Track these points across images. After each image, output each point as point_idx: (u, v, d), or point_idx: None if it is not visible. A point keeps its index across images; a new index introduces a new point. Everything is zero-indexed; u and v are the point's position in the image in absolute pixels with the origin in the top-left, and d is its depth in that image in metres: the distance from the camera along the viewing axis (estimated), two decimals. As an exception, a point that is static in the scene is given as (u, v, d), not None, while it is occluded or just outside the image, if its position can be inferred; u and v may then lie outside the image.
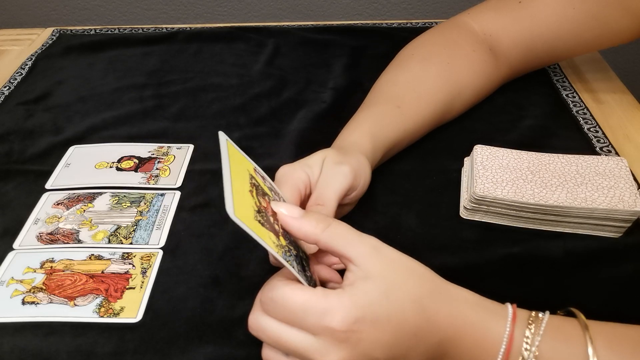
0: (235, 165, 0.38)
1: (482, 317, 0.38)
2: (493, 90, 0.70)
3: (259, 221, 0.36)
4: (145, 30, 0.92)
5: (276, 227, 0.39)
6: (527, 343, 0.36)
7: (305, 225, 0.38)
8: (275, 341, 0.37)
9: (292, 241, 0.41)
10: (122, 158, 0.63)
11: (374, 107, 0.60)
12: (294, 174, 0.47)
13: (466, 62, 0.64)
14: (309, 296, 0.36)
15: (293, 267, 0.37)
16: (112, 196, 0.58)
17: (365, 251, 0.38)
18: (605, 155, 0.61)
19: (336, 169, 0.48)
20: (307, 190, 0.48)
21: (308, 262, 0.42)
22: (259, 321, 0.38)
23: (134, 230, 0.54)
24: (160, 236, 0.54)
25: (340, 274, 0.41)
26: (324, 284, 0.42)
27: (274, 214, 0.39)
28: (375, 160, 0.55)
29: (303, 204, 0.47)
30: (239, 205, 0.35)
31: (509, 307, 0.38)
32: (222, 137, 0.39)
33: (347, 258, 0.38)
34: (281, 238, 0.38)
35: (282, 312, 0.36)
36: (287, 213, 0.39)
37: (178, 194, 0.59)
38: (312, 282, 0.39)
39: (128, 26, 0.93)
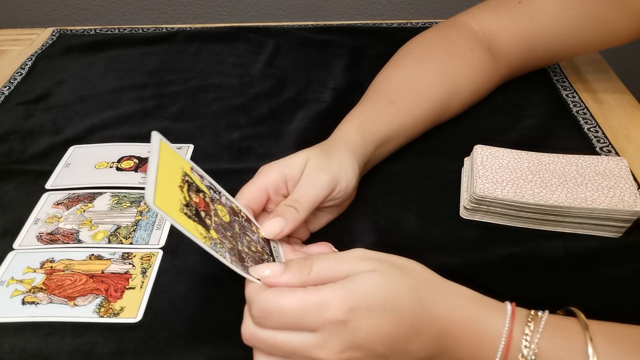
0: (166, 162, 0.39)
1: (481, 312, 0.38)
2: (492, 90, 0.70)
3: (186, 214, 0.38)
4: (145, 30, 0.91)
5: (216, 220, 0.41)
6: (526, 340, 0.36)
7: (290, 278, 0.38)
8: (274, 347, 0.37)
9: (237, 236, 0.42)
10: (122, 158, 0.63)
11: (366, 103, 0.60)
12: (266, 175, 0.49)
13: (464, 61, 0.64)
14: (301, 295, 0.36)
15: (224, 258, 0.38)
16: (112, 196, 0.58)
17: (352, 260, 0.38)
18: (605, 155, 0.61)
19: (316, 177, 0.49)
20: (280, 191, 0.49)
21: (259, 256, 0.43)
22: (254, 333, 0.38)
23: (134, 230, 0.54)
24: (160, 236, 0.54)
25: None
26: None
27: (212, 208, 0.42)
28: (367, 154, 0.55)
29: (276, 204, 0.49)
30: (161, 196, 0.36)
31: (508, 305, 0.38)
32: (156, 136, 0.40)
33: (340, 279, 0.38)
34: (212, 232, 0.40)
35: (280, 320, 0.36)
36: (270, 273, 0.39)
37: (178, 194, 0.59)
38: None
39: (128, 26, 0.93)
